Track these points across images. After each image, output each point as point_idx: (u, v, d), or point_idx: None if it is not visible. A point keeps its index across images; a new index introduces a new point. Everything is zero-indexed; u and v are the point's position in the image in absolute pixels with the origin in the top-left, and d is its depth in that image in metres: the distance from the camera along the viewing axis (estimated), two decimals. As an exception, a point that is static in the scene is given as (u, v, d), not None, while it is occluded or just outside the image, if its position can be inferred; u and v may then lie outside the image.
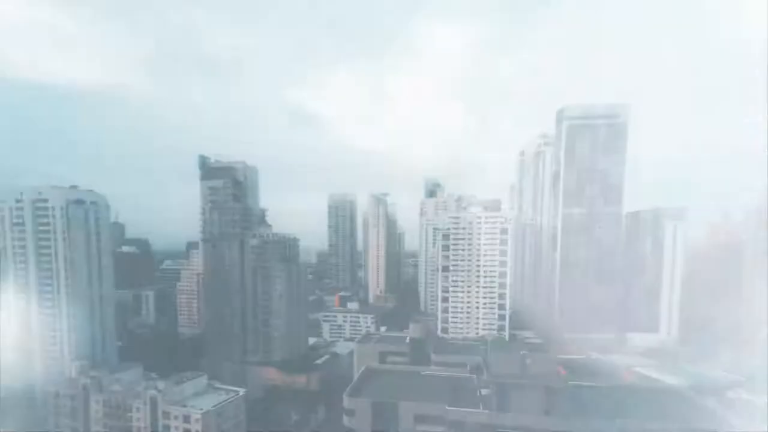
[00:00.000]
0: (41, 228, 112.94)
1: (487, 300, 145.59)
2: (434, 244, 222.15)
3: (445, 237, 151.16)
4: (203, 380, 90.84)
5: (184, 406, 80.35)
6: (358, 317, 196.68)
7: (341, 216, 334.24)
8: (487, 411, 47.67)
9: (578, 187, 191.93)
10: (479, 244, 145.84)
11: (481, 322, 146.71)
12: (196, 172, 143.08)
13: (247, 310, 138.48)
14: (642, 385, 65.51)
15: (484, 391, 51.78)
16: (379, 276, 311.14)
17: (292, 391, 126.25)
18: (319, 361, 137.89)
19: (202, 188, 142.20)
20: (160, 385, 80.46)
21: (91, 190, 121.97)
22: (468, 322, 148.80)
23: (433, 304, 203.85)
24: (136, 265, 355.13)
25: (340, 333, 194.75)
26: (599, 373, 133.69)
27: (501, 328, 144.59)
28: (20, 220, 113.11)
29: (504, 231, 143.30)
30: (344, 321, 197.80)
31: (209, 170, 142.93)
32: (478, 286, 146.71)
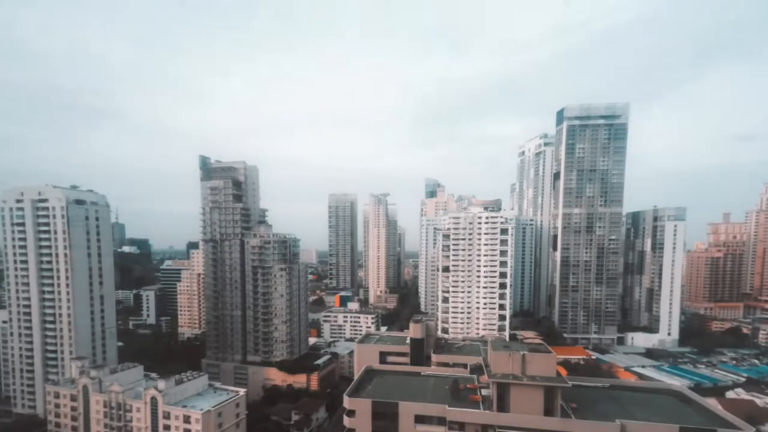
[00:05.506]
0: (41, 228, 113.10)
1: (487, 300, 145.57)
2: (434, 244, 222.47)
3: (445, 237, 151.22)
4: (203, 380, 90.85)
5: (184, 406, 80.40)
6: (359, 317, 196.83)
7: (341, 216, 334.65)
8: (487, 411, 47.70)
9: (578, 187, 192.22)
10: (479, 244, 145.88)
11: (481, 322, 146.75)
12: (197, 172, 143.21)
13: (247, 310, 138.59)
14: (642, 385, 65.43)
15: (484, 391, 51.78)
16: (379, 276, 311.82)
17: (292, 392, 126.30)
18: (319, 362, 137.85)
19: (203, 188, 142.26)
20: (160, 385, 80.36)
21: (91, 190, 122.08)
22: (468, 322, 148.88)
23: (433, 304, 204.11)
24: (136, 265, 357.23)
25: (341, 333, 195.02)
26: (599, 373, 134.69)
27: (501, 328, 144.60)
28: (20, 220, 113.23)
29: (504, 231, 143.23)
30: (344, 321, 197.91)
31: (210, 170, 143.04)
32: (478, 286, 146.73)
